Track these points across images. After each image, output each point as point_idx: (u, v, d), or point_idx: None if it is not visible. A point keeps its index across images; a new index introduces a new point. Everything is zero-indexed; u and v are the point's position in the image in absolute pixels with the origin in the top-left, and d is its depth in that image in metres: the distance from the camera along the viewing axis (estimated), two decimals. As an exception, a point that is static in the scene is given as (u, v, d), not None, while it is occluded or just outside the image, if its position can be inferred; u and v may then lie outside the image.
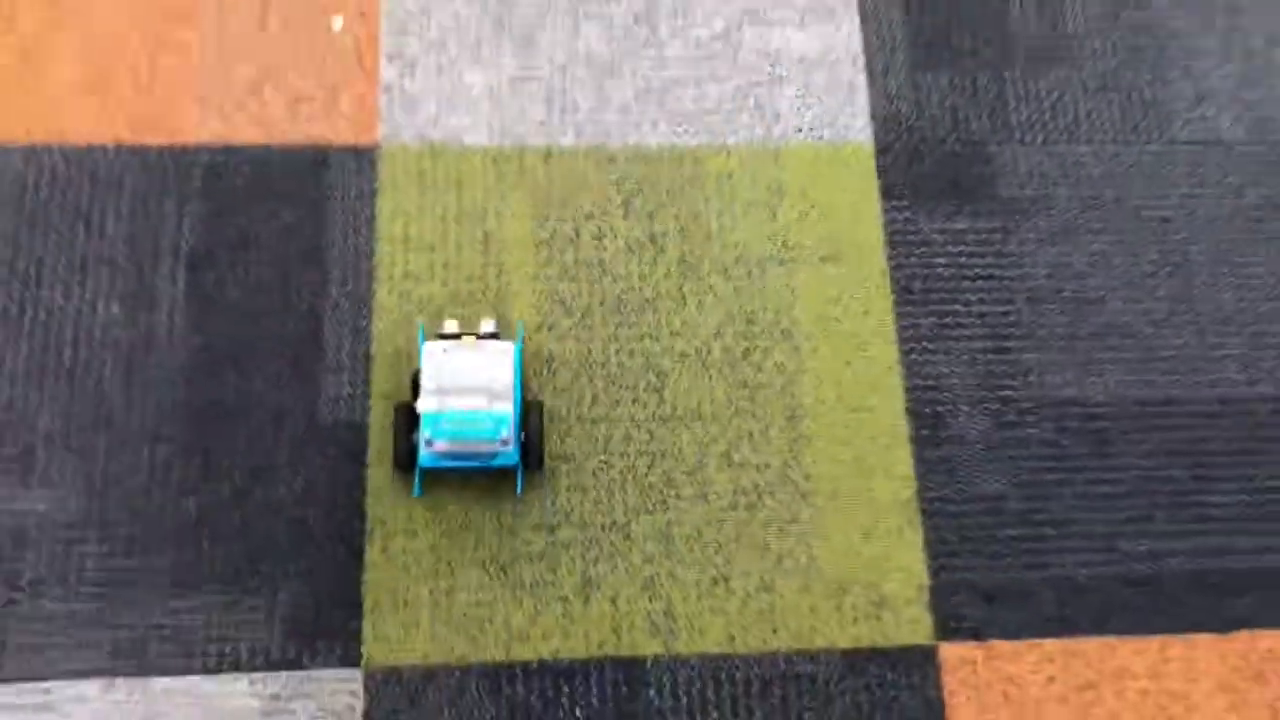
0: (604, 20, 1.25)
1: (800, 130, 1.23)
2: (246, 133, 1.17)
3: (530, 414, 1.06)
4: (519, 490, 1.08)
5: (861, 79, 1.26)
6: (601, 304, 1.16)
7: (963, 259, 1.20)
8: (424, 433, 1.02)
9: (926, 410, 1.14)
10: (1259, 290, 1.21)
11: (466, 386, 1.02)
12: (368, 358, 1.11)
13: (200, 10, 1.20)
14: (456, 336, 1.07)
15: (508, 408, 1.02)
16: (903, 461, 1.13)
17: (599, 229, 1.18)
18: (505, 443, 1.02)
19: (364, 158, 1.18)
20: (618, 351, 1.14)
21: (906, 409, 1.14)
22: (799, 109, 1.24)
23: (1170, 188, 1.25)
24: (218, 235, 1.14)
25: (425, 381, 1.02)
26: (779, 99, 1.24)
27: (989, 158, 1.24)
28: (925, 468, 1.12)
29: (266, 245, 1.14)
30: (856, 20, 1.28)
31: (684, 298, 1.17)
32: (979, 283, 1.19)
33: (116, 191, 1.14)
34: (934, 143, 1.24)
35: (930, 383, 1.15)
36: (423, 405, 1.02)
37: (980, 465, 1.13)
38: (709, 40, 1.26)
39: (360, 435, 1.08)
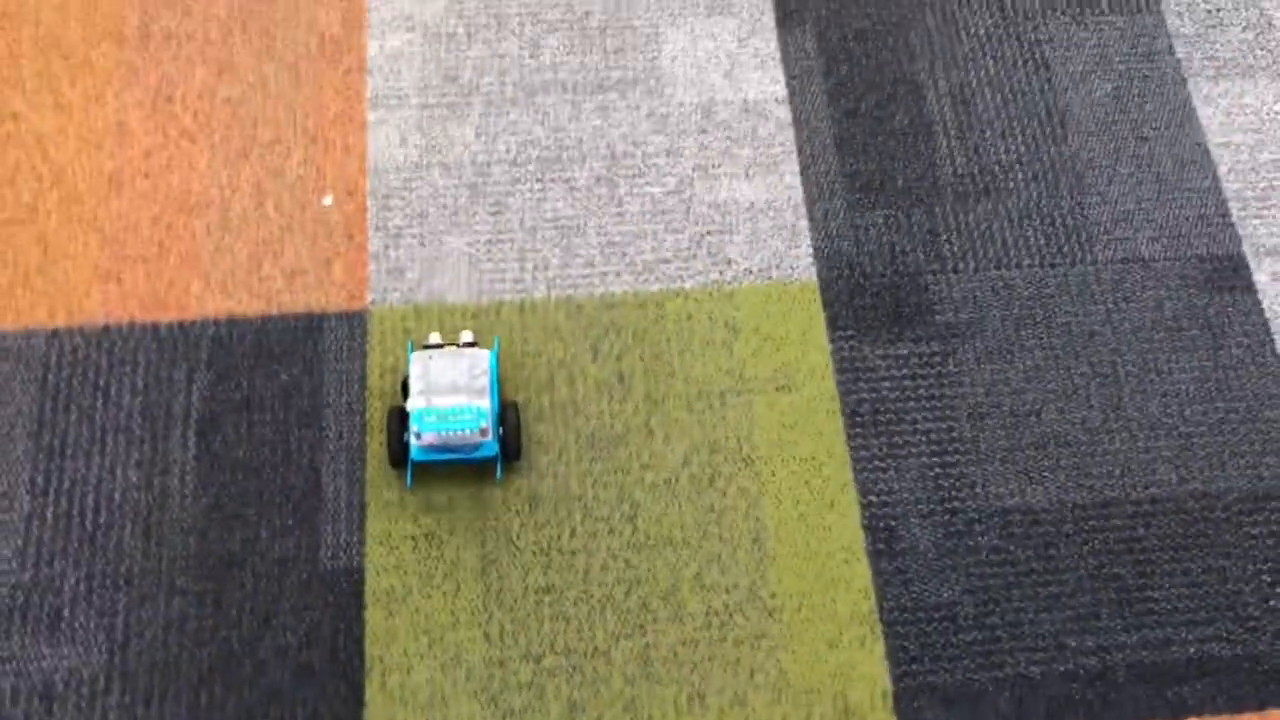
0: (568, 184, 1.39)
1: (751, 272, 1.35)
2: (248, 305, 1.30)
3: (507, 411, 1.22)
4: (499, 477, 1.22)
5: (804, 223, 1.38)
6: (576, 442, 1.26)
7: (906, 381, 1.31)
8: (413, 428, 1.17)
9: (880, 525, 1.23)
10: (1183, 395, 1.31)
11: (450, 386, 1.19)
12: (363, 506, 1.21)
13: (205, 199, 1.34)
14: (440, 346, 1.23)
15: (486, 403, 1.18)
16: (861, 575, 1.21)
17: (570, 373, 1.29)
18: (485, 433, 1.18)
19: (355, 321, 1.29)
20: (593, 485, 1.24)
21: (862, 524, 1.23)
22: (749, 253, 1.36)
23: (1095, 304, 1.36)
24: (224, 400, 1.25)
25: (413, 384, 1.18)
26: (730, 245, 1.36)
27: (925, 287, 1.35)
28: (883, 579, 1.21)
29: (268, 406, 1.25)
30: (797, 169, 1.41)
31: (652, 431, 1.27)
32: (923, 402, 1.30)
33: (131, 366, 1.26)
34: (874, 276, 1.36)
35: (883, 498, 1.25)
36: (412, 404, 1.17)
37: (934, 574, 1.21)
38: (664, 196, 1.39)
39: (358, 579, 1.18)
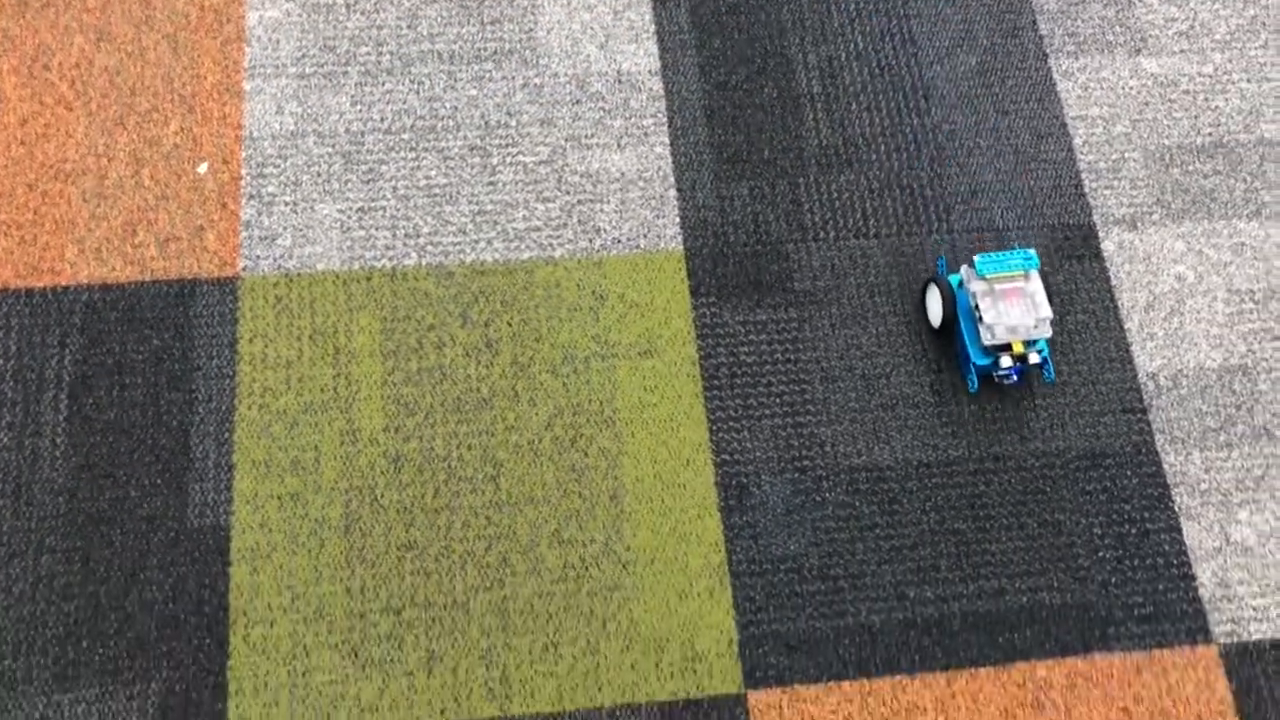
0: (441, 152, 1.42)
1: (619, 241, 1.40)
2: (122, 272, 1.32)
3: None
4: (1053, 377, 1.34)
5: (672, 193, 1.43)
6: (442, 405, 1.30)
7: (764, 347, 1.36)
8: (984, 320, 1.29)
9: (733, 482, 1.29)
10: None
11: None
12: (230, 466, 1.25)
13: (81, 167, 1.36)
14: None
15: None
16: (713, 529, 1.27)
17: (439, 338, 1.33)
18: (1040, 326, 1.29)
19: (226, 288, 1.33)
20: (458, 446, 1.29)
21: (715, 482, 1.29)
22: (618, 222, 1.40)
23: (949, 272, 1.41)
24: (96, 364, 1.28)
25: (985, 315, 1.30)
26: (600, 214, 1.41)
27: (786, 255, 1.40)
28: (733, 533, 1.27)
29: (140, 370, 1.28)
30: (667, 141, 1.45)
31: (517, 395, 1.31)
32: (778, 366, 1.35)
33: (4, 331, 1.28)
34: (737, 245, 1.41)
35: (736, 457, 1.30)
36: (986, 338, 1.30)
37: (782, 529, 1.27)
38: (536, 165, 1.42)
39: (224, 536, 1.22)
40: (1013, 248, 1.39)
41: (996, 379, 1.32)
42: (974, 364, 1.32)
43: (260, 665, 1.17)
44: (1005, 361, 1.29)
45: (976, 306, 1.30)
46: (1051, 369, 1.33)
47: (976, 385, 1.34)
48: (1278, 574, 1.29)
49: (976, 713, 1.21)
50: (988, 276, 1.30)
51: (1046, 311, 1.29)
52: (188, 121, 1.40)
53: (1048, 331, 1.29)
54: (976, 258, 1.31)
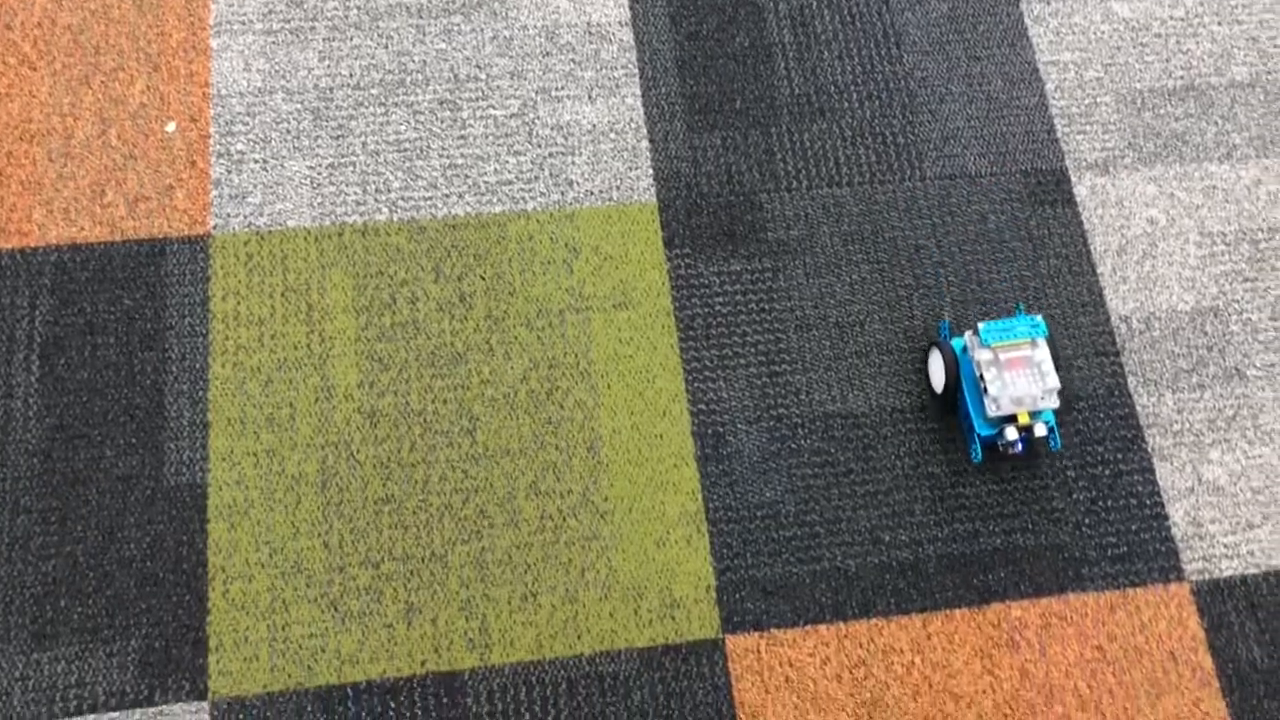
0: (411, 107, 1.41)
1: (592, 193, 1.39)
2: (92, 232, 1.31)
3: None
4: (1059, 445, 1.28)
5: (645, 144, 1.42)
6: (417, 360, 1.30)
7: (738, 296, 1.36)
8: (990, 393, 1.22)
9: (709, 431, 1.29)
10: (1002, 304, 1.38)
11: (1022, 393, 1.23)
12: (205, 424, 1.25)
13: (46, 127, 1.35)
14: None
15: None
16: (690, 478, 1.27)
17: (413, 293, 1.33)
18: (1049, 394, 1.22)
19: (197, 246, 1.32)
20: (433, 401, 1.29)
21: (692, 431, 1.29)
22: (589, 175, 1.40)
23: (922, 219, 1.42)
24: (67, 325, 1.28)
25: (990, 388, 1.23)
26: (571, 167, 1.40)
27: (759, 205, 1.40)
28: (710, 481, 1.27)
29: (112, 330, 1.28)
30: (639, 92, 1.44)
31: (492, 348, 1.31)
32: (753, 316, 1.35)
33: (-27, 293, 1.28)
34: (710, 196, 1.40)
35: (712, 407, 1.31)
36: (991, 410, 1.23)
37: (758, 476, 1.28)
38: (507, 119, 1.42)
39: (200, 493, 1.22)
40: (1017, 309, 1.33)
41: (1001, 448, 1.27)
42: (978, 434, 1.26)
43: (240, 620, 1.18)
44: (1010, 433, 1.24)
45: (981, 377, 1.24)
46: (1058, 438, 1.28)
47: (980, 455, 1.28)
48: (1249, 512, 1.30)
49: (952, 653, 1.22)
50: (993, 345, 1.24)
51: (1054, 382, 1.22)
52: (154, 80, 1.38)
53: (1055, 403, 1.22)
54: (981, 325, 1.25)
